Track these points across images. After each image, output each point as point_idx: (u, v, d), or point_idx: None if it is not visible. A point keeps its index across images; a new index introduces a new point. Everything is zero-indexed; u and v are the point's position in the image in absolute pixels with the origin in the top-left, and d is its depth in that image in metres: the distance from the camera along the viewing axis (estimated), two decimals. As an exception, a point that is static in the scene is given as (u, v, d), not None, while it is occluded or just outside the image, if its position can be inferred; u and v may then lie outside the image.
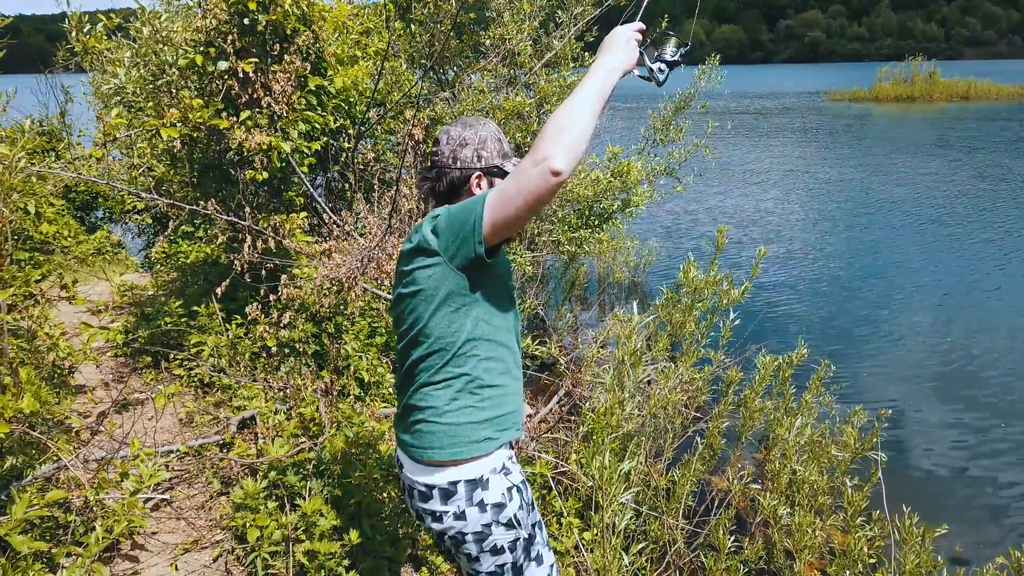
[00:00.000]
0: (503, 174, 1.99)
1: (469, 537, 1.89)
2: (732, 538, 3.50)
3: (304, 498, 3.03)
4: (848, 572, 3.15)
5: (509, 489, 1.92)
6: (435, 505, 1.89)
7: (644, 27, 1.85)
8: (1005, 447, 5.34)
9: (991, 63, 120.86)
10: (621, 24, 1.83)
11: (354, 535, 2.85)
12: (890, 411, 4.34)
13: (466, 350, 1.86)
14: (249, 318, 4.13)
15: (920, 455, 5.29)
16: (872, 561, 3.23)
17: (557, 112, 1.61)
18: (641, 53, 1.82)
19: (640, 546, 3.01)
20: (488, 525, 1.88)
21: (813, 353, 4.44)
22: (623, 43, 1.78)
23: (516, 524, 1.91)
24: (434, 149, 2.02)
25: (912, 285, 9.24)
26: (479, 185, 1.97)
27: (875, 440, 3.73)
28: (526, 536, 1.95)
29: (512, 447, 2.06)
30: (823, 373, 4.29)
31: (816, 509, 3.86)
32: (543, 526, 2.09)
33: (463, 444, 1.87)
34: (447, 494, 1.87)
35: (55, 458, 2.77)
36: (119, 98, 4.55)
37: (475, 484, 1.88)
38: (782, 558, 3.60)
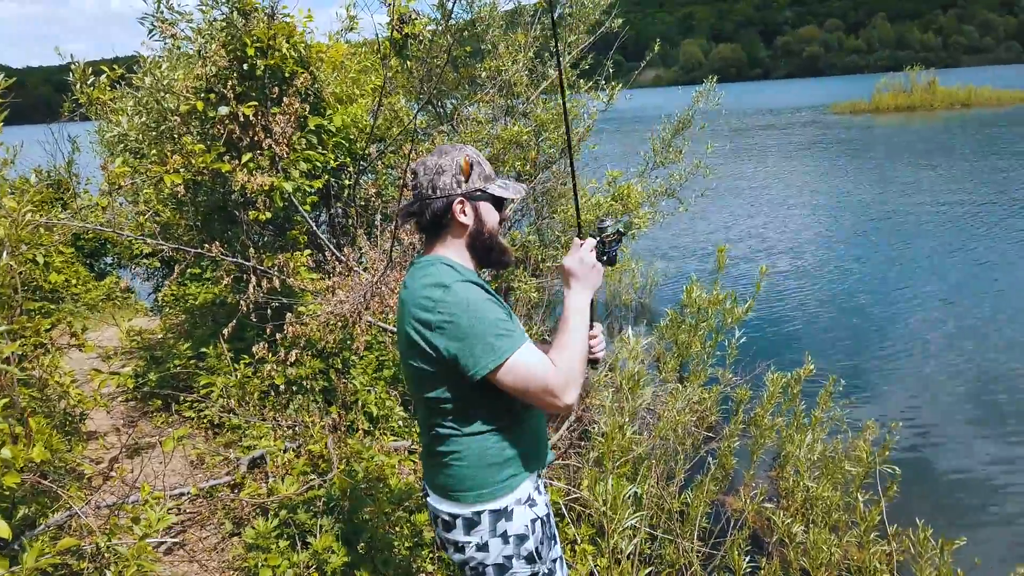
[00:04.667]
0: (487, 197, 1.95)
1: (490, 570, 1.88)
2: (748, 559, 3.47)
3: (315, 536, 3.04)
4: (865, 590, 3.11)
5: (533, 521, 1.91)
6: (458, 535, 1.89)
7: (595, 241, 2.03)
8: (1022, 455, 5.27)
9: (990, 69, 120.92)
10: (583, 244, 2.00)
11: (365, 572, 2.85)
12: (902, 424, 4.31)
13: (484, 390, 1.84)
14: (257, 357, 4.17)
15: (936, 467, 5.23)
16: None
17: (568, 356, 1.80)
18: (601, 248, 2.03)
19: (648, 570, 2.98)
20: (509, 558, 1.87)
21: (822, 368, 4.42)
22: (590, 269, 1.96)
23: (537, 558, 1.90)
24: (412, 182, 1.96)
25: (919, 296, 9.20)
26: (463, 211, 1.91)
27: (887, 453, 3.69)
28: (546, 571, 1.93)
29: (539, 475, 2.04)
30: (832, 388, 4.26)
31: (831, 526, 3.82)
32: (564, 562, 2.06)
33: (488, 486, 1.86)
34: (471, 524, 1.87)
35: (67, 506, 2.79)
36: (123, 146, 4.64)
37: (499, 515, 1.87)
38: (799, 577, 3.56)
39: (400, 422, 4.57)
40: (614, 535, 1.91)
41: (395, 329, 4.59)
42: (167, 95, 4.14)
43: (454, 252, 1.94)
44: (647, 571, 2.45)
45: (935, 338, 7.68)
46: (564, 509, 3.83)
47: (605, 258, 2.03)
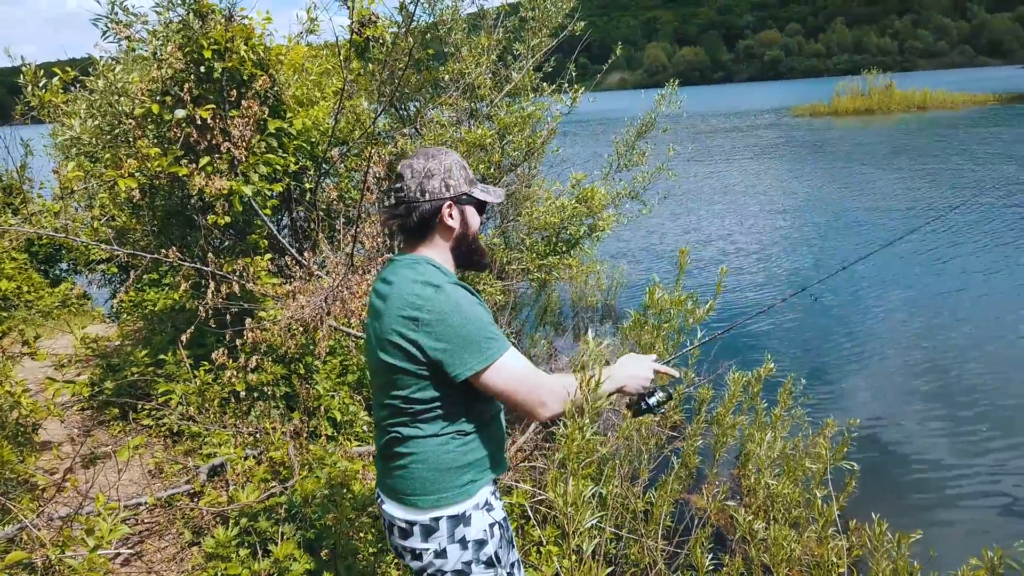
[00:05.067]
0: (472, 201, 1.99)
1: None
2: (711, 556, 3.50)
3: (276, 543, 3.00)
4: (822, 584, 3.16)
5: (491, 526, 1.91)
6: (415, 542, 1.87)
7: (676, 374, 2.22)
8: (979, 450, 5.41)
9: (945, 73, 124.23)
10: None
11: (327, 578, 2.82)
12: (863, 421, 4.39)
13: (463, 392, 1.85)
14: (217, 364, 4.10)
15: (896, 463, 5.34)
16: (842, 571, 3.24)
17: (568, 383, 1.87)
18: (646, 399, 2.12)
19: (610, 569, 3.00)
20: (468, 563, 1.87)
21: (785, 367, 4.48)
22: (646, 371, 2.09)
23: (496, 562, 1.90)
24: (398, 185, 1.95)
25: (879, 295, 9.40)
26: (451, 215, 1.93)
27: (845, 450, 3.76)
28: (504, 575, 1.93)
29: (495, 481, 2.04)
30: (791, 386, 4.33)
31: (792, 522, 3.87)
32: (521, 566, 2.06)
33: (448, 491, 1.86)
34: (428, 531, 1.86)
35: (18, 519, 2.72)
36: (76, 149, 4.54)
37: (457, 520, 1.86)
38: (760, 573, 3.61)
39: (364, 427, 4.54)
40: (574, 536, 1.91)
41: (359, 333, 4.57)
42: (121, 98, 4.05)
43: (438, 254, 1.96)
44: (608, 571, 2.46)
45: (895, 337, 7.85)
46: (530, 511, 3.83)
47: (643, 404, 2.11)
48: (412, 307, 1.78)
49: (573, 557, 2.78)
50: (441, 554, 1.86)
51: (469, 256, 2.02)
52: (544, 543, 3.63)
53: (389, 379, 1.86)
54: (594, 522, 1.94)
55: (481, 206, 2.05)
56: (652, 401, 2.09)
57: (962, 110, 39.59)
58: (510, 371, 1.78)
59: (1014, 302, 8.60)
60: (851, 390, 6.60)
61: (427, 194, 1.92)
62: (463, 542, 1.86)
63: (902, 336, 7.83)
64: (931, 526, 4.29)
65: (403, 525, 1.89)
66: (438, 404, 1.82)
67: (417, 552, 1.87)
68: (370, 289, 3.92)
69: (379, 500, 1.99)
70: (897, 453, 5.46)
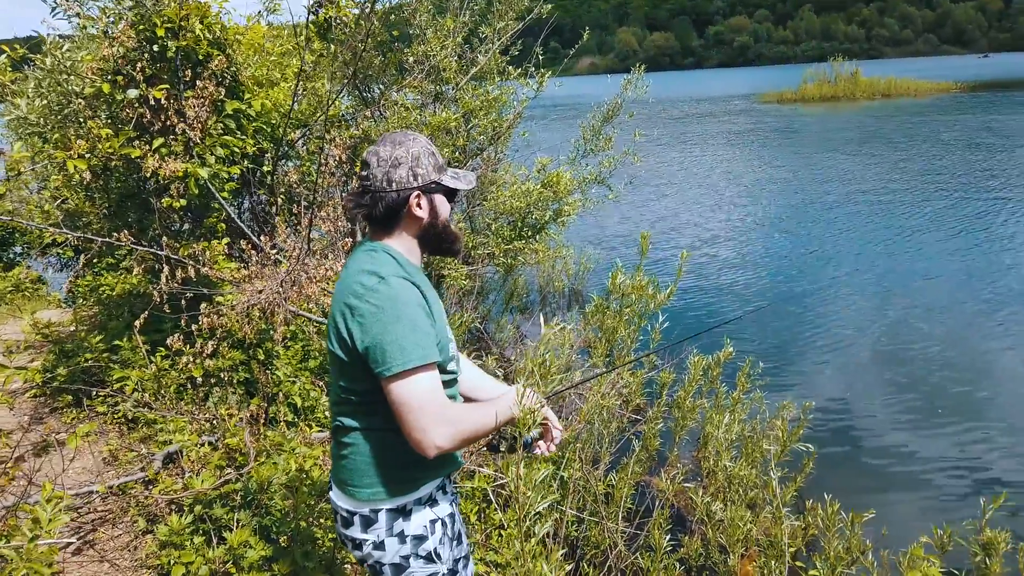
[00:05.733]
0: (442, 189, 1.91)
1: (387, 569, 1.85)
2: (670, 537, 3.55)
3: (231, 531, 2.96)
4: (775, 563, 3.21)
5: (433, 522, 1.87)
6: (356, 532, 1.85)
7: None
8: (932, 432, 5.54)
9: (910, 61, 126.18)
10: None
11: (284, 566, 2.79)
12: (818, 403, 4.48)
13: None
14: (173, 349, 4.03)
15: (851, 443, 5.46)
16: (793, 550, 3.30)
17: (473, 418, 1.78)
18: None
19: (563, 551, 3.02)
20: (407, 557, 1.84)
21: (745, 351, 4.54)
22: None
23: (436, 558, 1.87)
24: (363, 173, 1.87)
25: (838, 278, 9.56)
26: (419, 204, 1.86)
27: (801, 432, 3.82)
28: (446, 572, 1.90)
29: (449, 478, 2.00)
30: (749, 370, 4.39)
31: (749, 503, 3.93)
32: (470, 561, 2.03)
33: (386, 484, 1.82)
34: (368, 522, 1.83)
35: (-38, 508, 2.65)
36: (24, 130, 4.41)
37: (397, 514, 1.83)
38: (717, 553, 3.66)
39: (326, 413, 4.50)
40: (525, 520, 1.91)
41: (319, 318, 4.52)
42: (71, 77, 3.94)
43: (402, 244, 1.89)
44: (560, 552, 2.47)
45: (852, 322, 7.99)
46: (492, 495, 3.84)
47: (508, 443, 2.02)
48: (354, 295, 1.74)
49: (530, 541, 2.79)
50: (379, 546, 1.83)
51: (438, 243, 1.95)
52: (506, 527, 3.65)
53: (334, 366, 1.83)
54: (545, 506, 1.94)
55: (451, 193, 1.97)
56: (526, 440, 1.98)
57: (926, 98, 40.27)
58: (412, 388, 1.68)
59: (970, 287, 8.80)
60: (809, 374, 6.72)
61: (393, 183, 1.84)
62: (401, 536, 1.83)
63: (859, 321, 7.98)
64: (884, 506, 4.39)
65: (345, 514, 1.86)
66: (377, 396, 1.75)
67: (357, 542, 1.85)
68: (328, 273, 3.88)
69: (330, 487, 1.97)
70: (853, 435, 5.57)
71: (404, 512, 1.84)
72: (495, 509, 3.84)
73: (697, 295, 9.12)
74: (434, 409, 1.68)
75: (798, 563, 3.40)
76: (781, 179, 17.34)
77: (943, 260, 10.02)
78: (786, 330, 7.85)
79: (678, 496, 4.42)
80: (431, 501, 1.89)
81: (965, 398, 6.02)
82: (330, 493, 1.94)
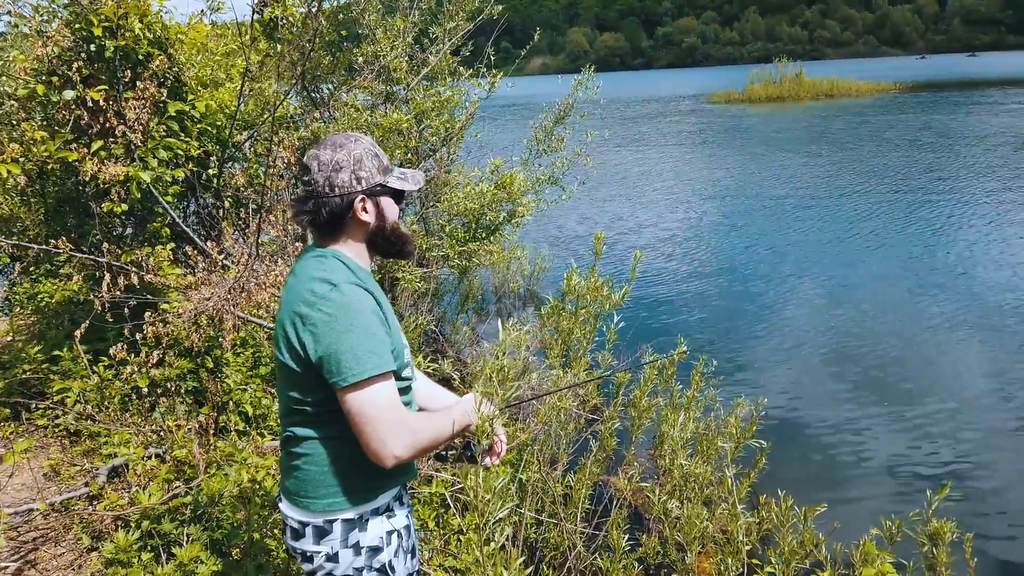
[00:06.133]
0: (388, 191, 1.87)
1: None
2: (628, 536, 3.56)
3: (181, 546, 2.87)
4: (731, 560, 3.25)
5: (389, 533, 1.83)
6: (307, 544, 1.79)
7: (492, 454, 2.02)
8: (882, 427, 5.68)
9: (851, 62, 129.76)
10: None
11: (236, 580, 2.72)
12: (773, 400, 4.56)
13: None
14: (117, 359, 3.89)
15: (802, 438, 5.57)
16: (748, 547, 3.34)
17: (431, 427, 1.76)
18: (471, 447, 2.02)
19: (522, 559, 3.01)
20: (360, 570, 1.79)
21: (699, 349, 4.60)
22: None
23: (390, 571, 1.83)
24: (305, 178, 1.82)
25: (788, 274, 9.77)
26: (364, 208, 1.81)
27: (754, 428, 3.88)
28: None
29: (404, 487, 1.96)
30: (703, 368, 4.44)
31: (705, 500, 3.98)
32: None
33: (343, 494, 1.77)
34: (321, 532, 1.78)
35: None
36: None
37: (352, 524, 1.78)
38: (674, 551, 3.69)
39: (278, 421, 4.41)
40: (486, 527, 1.89)
41: (270, 324, 4.42)
42: (3, 78, 3.77)
43: (350, 249, 1.84)
44: (520, 560, 2.46)
45: (803, 320, 8.16)
46: (450, 500, 3.81)
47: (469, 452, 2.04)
48: (305, 303, 1.69)
49: (479, 545, 2.77)
50: (332, 558, 1.78)
51: (388, 246, 1.90)
52: (464, 531, 3.62)
53: (284, 376, 1.77)
54: (504, 513, 1.92)
55: (399, 195, 1.93)
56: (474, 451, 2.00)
57: (868, 98, 41.47)
58: (368, 398, 1.64)
59: (917, 282, 9.07)
60: (761, 371, 6.84)
61: (336, 188, 1.78)
62: (356, 547, 1.78)
63: (809, 317, 8.16)
64: (835, 499, 4.48)
65: (295, 526, 1.80)
66: (331, 405, 1.70)
67: (308, 554, 1.79)
68: (278, 279, 3.80)
69: (279, 498, 1.91)
70: (803, 430, 5.69)
71: (360, 522, 1.79)
72: (453, 514, 3.81)
73: (651, 294, 9.21)
74: (391, 419, 1.65)
75: (754, 560, 3.45)
76: (733, 179, 17.66)
77: (891, 256, 10.31)
78: (738, 328, 7.98)
79: (635, 495, 4.45)
80: (388, 511, 1.85)
81: (911, 392, 6.20)
82: (280, 504, 1.88)
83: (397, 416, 1.67)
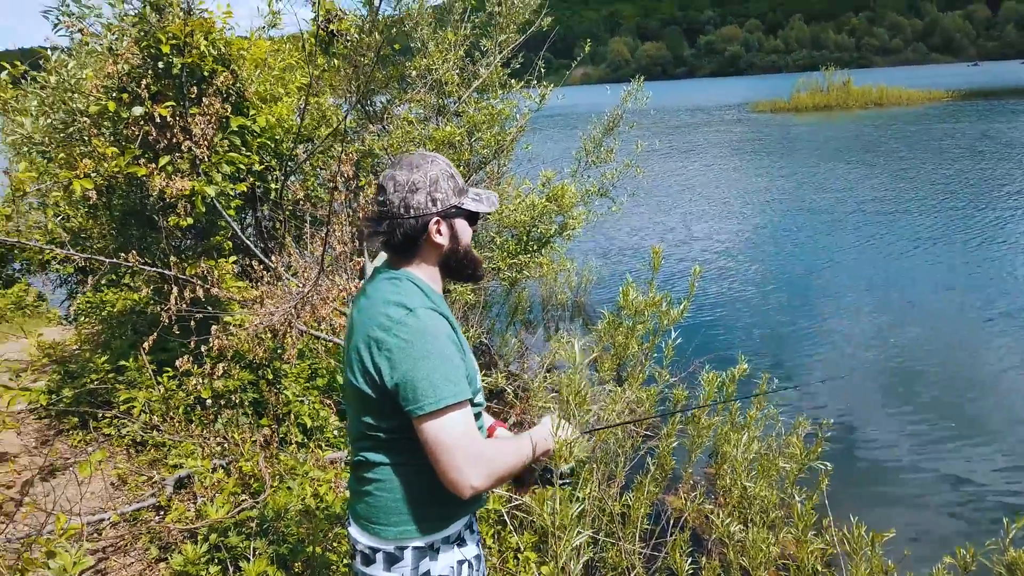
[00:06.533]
0: (463, 213, 1.83)
1: None
2: (689, 559, 3.48)
3: (248, 560, 2.89)
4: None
5: (460, 563, 1.79)
6: (377, 570, 1.76)
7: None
8: (949, 446, 5.48)
9: (900, 70, 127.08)
10: None
11: (302, 595, 2.73)
12: (833, 420, 4.42)
13: None
14: (181, 370, 3.96)
15: (868, 460, 5.40)
16: (819, 571, 3.24)
17: (507, 455, 1.73)
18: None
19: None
20: None
21: (757, 366, 4.48)
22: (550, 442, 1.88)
23: None
24: (380, 198, 1.79)
25: (848, 290, 9.53)
26: (439, 231, 1.78)
27: (819, 450, 3.76)
28: None
29: (475, 515, 1.92)
30: (765, 386, 4.33)
31: (768, 523, 3.87)
32: None
33: (415, 522, 1.74)
34: (392, 559, 1.74)
35: (-30, 541, 2.57)
36: (26, 149, 4.34)
37: (423, 552, 1.75)
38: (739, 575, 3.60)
39: (335, 432, 4.43)
40: (562, 554, 1.85)
41: (328, 337, 4.45)
42: (75, 95, 3.88)
43: (424, 272, 1.81)
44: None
45: (865, 337, 7.94)
46: (507, 517, 3.77)
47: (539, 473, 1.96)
48: (380, 327, 1.66)
49: (554, 567, 2.73)
50: None
51: (460, 269, 1.87)
52: (522, 549, 3.58)
53: (357, 400, 1.74)
54: (580, 541, 1.88)
55: (473, 216, 1.88)
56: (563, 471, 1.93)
57: (919, 106, 40.50)
58: (445, 427, 1.61)
59: (984, 299, 8.76)
60: (821, 389, 6.66)
61: (412, 210, 1.75)
62: None
63: (872, 336, 7.93)
64: (903, 525, 4.33)
65: (366, 551, 1.77)
66: (406, 432, 1.67)
67: None
68: (341, 294, 3.82)
69: (348, 522, 1.88)
70: (866, 451, 5.52)
71: (431, 551, 1.76)
72: (510, 531, 3.78)
73: (706, 309, 9.07)
74: (469, 448, 1.62)
75: (823, 586, 3.34)
76: (785, 190, 17.33)
77: (958, 273, 9.95)
78: (797, 344, 7.81)
79: (694, 516, 4.35)
80: (459, 540, 1.81)
81: (980, 414, 5.97)
82: (348, 529, 1.86)
83: (474, 445, 1.63)
